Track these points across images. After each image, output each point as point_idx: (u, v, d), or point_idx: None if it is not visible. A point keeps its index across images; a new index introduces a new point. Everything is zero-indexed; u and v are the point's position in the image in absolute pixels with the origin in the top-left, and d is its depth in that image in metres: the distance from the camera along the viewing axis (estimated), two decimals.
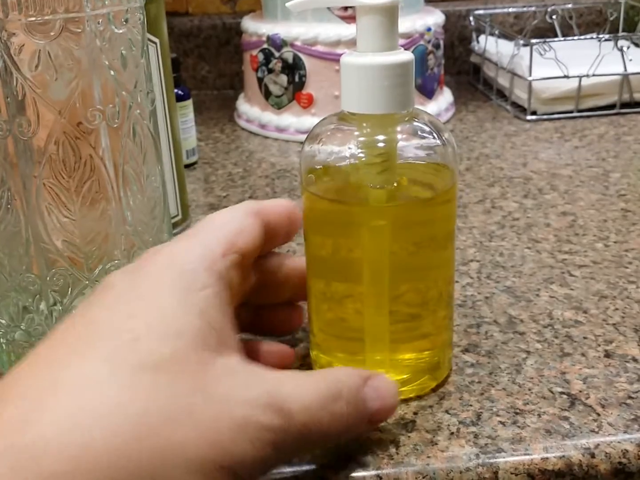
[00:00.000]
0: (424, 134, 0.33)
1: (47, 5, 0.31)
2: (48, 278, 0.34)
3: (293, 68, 0.73)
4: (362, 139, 0.33)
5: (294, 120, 0.75)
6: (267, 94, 0.76)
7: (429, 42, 0.75)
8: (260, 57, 0.75)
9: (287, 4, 0.32)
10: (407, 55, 0.32)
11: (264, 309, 0.36)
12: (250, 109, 0.79)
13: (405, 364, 0.36)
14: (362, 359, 0.35)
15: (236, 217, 0.31)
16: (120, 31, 0.33)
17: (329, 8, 0.72)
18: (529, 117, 0.78)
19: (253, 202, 0.32)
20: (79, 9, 0.31)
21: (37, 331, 0.35)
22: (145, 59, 0.35)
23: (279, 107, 0.76)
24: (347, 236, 0.34)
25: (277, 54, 0.74)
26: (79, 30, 0.32)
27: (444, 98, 0.81)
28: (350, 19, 0.72)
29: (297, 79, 0.74)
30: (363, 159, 0.33)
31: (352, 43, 0.71)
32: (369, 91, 0.32)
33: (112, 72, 0.33)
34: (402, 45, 0.73)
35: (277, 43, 0.73)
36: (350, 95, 0.32)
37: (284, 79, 0.74)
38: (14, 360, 0.37)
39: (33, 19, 0.31)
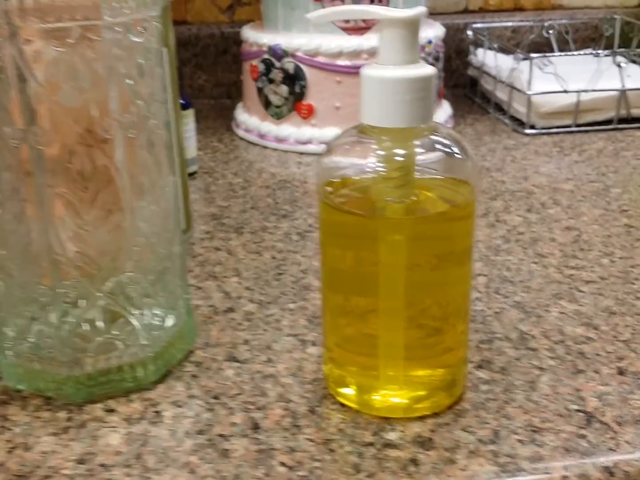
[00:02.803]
0: (444, 149, 0.33)
1: (65, 12, 0.30)
2: (60, 290, 0.34)
3: (294, 78, 0.73)
4: (381, 152, 0.33)
5: (294, 131, 0.75)
6: (266, 104, 0.76)
7: (429, 54, 0.75)
8: (261, 67, 0.75)
9: (307, 15, 0.32)
10: (430, 69, 0.32)
11: None
12: (249, 119, 0.79)
13: (420, 380, 0.35)
14: (376, 374, 0.35)
15: None
16: (138, 40, 0.32)
17: None
18: (527, 131, 0.78)
19: None
20: (97, 16, 0.31)
21: (47, 343, 0.35)
22: (161, 69, 0.35)
23: (278, 117, 0.75)
24: (364, 249, 0.34)
25: (278, 64, 0.74)
26: (97, 39, 0.31)
27: (443, 111, 0.81)
28: (352, 30, 0.72)
29: (297, 89, 0.73)
30: (382, 172, 0.33)
31: (353, 55, 0.71)
32: (390, 105, 0.31)
33: (129, 82, 0.32)
34: None
35: (278, 53, 0.73)
36: (370, 108, 0.32)
37: (284, 89, 0.74)
38: (22, 374, 0.36)
39: (50, 25, 0.30)
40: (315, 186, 0.34)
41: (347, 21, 0.72)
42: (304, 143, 0.74)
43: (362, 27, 0.73)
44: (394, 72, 0.31)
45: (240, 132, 0.80)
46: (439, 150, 0.33)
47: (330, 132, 0.73)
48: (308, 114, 0.74)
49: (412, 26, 0.31)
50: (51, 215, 0.32)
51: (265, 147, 0.76)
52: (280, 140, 0.75)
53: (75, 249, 0.33)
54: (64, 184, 0.32)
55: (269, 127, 0.76)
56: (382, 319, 0.34)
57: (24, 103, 0.31)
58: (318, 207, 0.34)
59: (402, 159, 0.32)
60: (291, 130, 0.75)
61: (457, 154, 0.33)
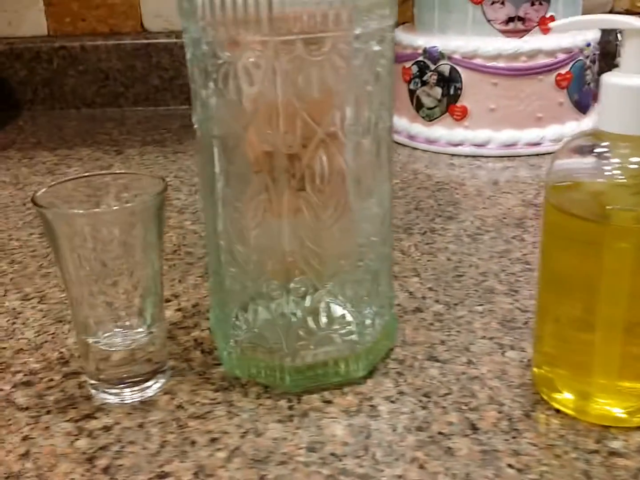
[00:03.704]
0: None
1: (319, 24, 0.32)
2: (290, 285, 0.35)
3: (449, 81, 0.73)
4: (617, 159, 0.33)
5: (445, 132, 0.75)
6: (418, 106, 0.77)
7: (587, 57, 0.74)
8: (414, 69, 0.76)
9: (550, 24, 0.32)
10: None
11: None
12: (398, 120, 0.79)
13: (636, 392, 0.35)
14: (588, 382, 0.35)
15: None
16: (378, 49, 0.34)
17: (489, 22, 0.72)
18: None
19: None
20: (348, 27, 0.32)
21: (273, 335, 0.36)
22: (392, 76, 0.36)
23: (430, 119, 0.76)
24: (588, 255, 0.34)
25: (432, 67, 0.74)
26: (345, 48, 0.32)
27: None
28: (511, 32, 0.72)
29: (452, 91, 0.74)
30: (616, 179, 0.33)
31: (511, 57, 0.71)
32: (633, 112, 0.31)
33: (367, 88, 0.34)
34: (563, 61, 0.72)
35: (435, 56, 0.73)
36: (609, 114, 0.32)
37: (438, 91, 0.74)
38: (244, 362, 0.38)
39: (306, 36, 0.32)
40: (544, 187, 0.34)
41: (506, 23, 0.72)
42: (456, 145, 0.74)
43: (520, 30, 0.72)
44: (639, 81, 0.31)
45: None
46: None
47: (483, 134, 0.73)
48: (462, 115, 0.74)
49: None
50: (288, 215, 0.34)
51: (414, 149, 0.77)
52: (430, 141, 0.76)
53: (306, 247, 0.35)
54: (302, 186, 0.34)
55: (419, 128, 0.77)
56: (600, 327, 0.34)
57: (273, 109, 0.33)
58: (543, 208, 0.35)
59: (638, 166, 0.32)
60: (442, 132, 0.75)
61: None
